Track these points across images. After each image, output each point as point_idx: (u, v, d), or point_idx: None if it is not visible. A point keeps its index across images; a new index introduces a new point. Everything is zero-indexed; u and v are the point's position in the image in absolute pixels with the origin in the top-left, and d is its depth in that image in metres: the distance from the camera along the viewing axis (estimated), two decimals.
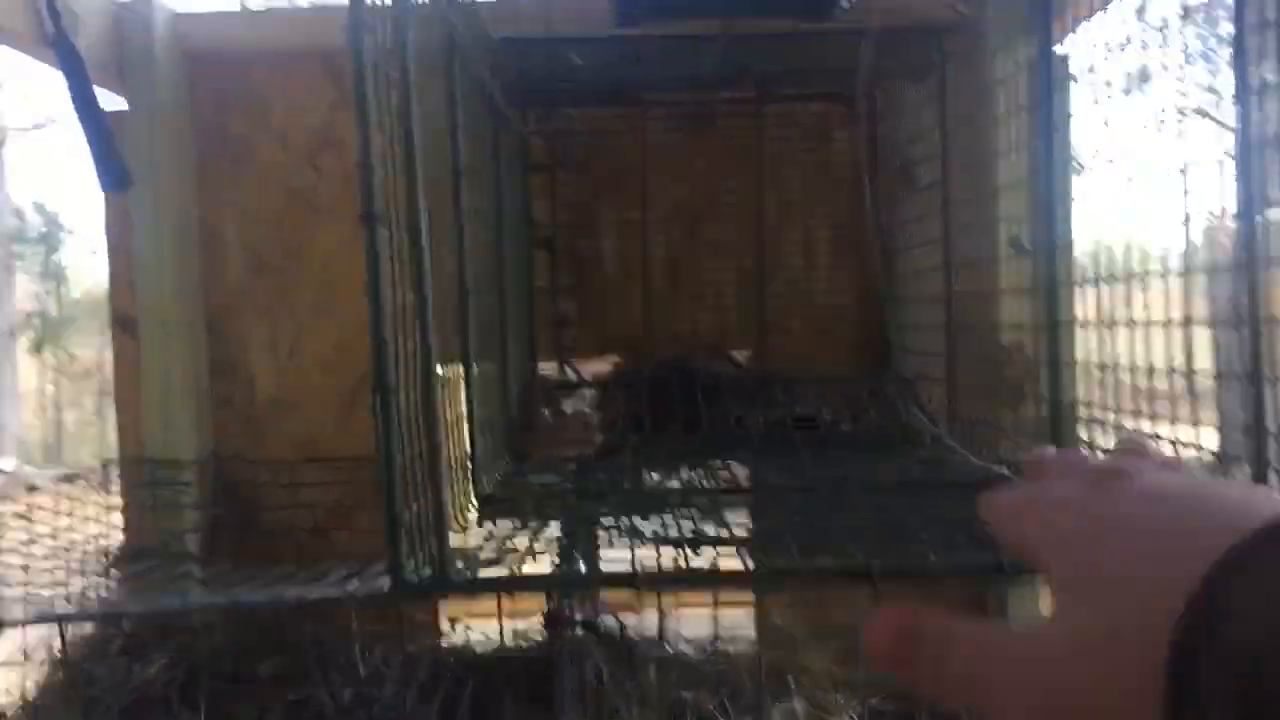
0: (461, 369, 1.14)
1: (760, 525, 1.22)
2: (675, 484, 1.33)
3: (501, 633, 1.78)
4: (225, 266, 2.01)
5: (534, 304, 1.93)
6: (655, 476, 1.42)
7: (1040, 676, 0.36)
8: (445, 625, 1.95)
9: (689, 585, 1.11)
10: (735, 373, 1.81)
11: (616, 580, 0.78)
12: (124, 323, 1.96)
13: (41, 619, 1.02)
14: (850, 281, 2.02)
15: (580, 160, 1.89)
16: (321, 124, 2.00)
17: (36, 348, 14.00)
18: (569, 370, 1.86)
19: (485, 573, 0.88)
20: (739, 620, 1.93)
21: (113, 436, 2.05)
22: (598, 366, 1.99)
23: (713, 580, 1.01)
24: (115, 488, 1.88)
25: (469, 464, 1.17)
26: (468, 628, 1.89)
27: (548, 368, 1.95)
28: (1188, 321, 1.05)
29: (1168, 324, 1.10)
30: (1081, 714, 0.34)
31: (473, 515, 1.15)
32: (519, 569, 0.89)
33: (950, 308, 1.54)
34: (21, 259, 13.98)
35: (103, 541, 1.75)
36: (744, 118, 1.97)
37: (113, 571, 1.70)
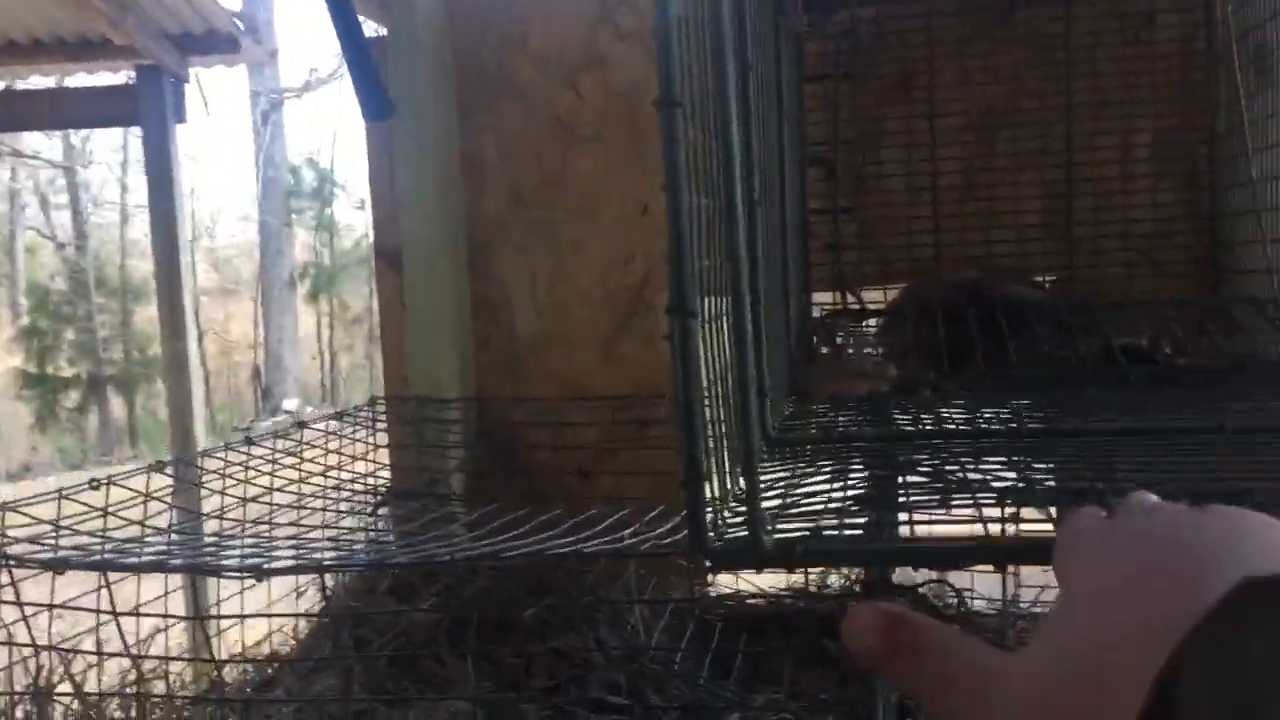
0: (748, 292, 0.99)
1: (1112, 477, 1.02)
2: (993, 425, 1.14)
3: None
4: (485, 198, 1.93)
5: (808, 227, 1.76)
6: (964, 417, 1.23)
7: (1006, 693, 0.38)
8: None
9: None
10: (1042, 298, 1.58)
11: (979, 554, 0.60)
12: (388, 256, 1.92)
13: (303, 569, 0.96)
14: (1175, 196, 1.74)
15: (863, 65, 1.70)
16: (582, 43, 1.89)
17: (313, 296, 14.92)
18: (850, 299, 1.68)
19: (789, 532, 0.73)
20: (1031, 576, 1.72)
21: (382, 378, 2.03)
22: (879, 296, 1.80)
23: None
24: (382, 425, 1.85)
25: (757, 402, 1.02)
26: (736, 576, 1.77)
27: (823, 298, 1.78)
28: None
29: None
30: None
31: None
32: (829, 530, 0.73)
33: None
34: (298, 213, 14.89)
35: (370, 480, 1.72)
36: (1048, 4, 1.72)
37: (381, 510, 1.66)
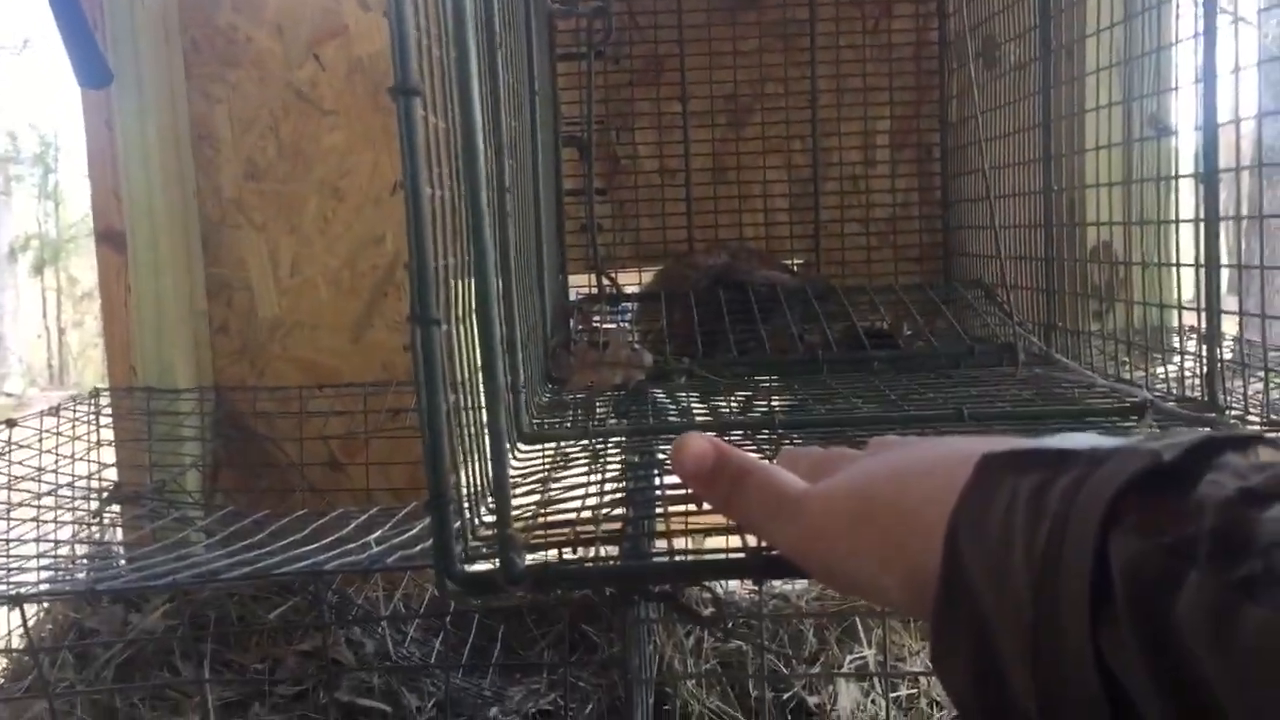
0: (500, 284, 0.95)
1: None
2: (745, 415, 1.15)
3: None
4: (219, 173, 1.80)
5: (562, 210, 1.73)
6: (717, 408, 1.23)
7: (809, 516, 0.48)
8: None
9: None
10: (791, 282, 1.61)
11: (723, 570, 0.59)
12: (110, 236, 1.76)
13: None
14: (912, 182, 1.81)
15: (614, 46, 1.67)
16: (322, 10, 1.78)
17: (37, 270, 13.83)
18: (606, 283, 1.66)
19: (545, 537, 0.70)
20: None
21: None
22: (634, 278, 1.79)
23: None
24: (106, 420, 1.70)
25: (509, 397, 0.98)
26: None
27: (580, 280, 1.75)
28: None
29: None
30: (855, 556, 0.46)
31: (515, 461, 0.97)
32: (585, 536, 0.71)
33: (1049, 204, 1.34)
34: (18, 180, 13.76)
35: (93, 482, 1.58)
36: None
37: (104, 515, 1.52)
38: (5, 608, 1.23)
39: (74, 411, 1.62)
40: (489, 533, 0.64)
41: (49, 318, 14.49)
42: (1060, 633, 0.35)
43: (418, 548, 0.86)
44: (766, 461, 0.54)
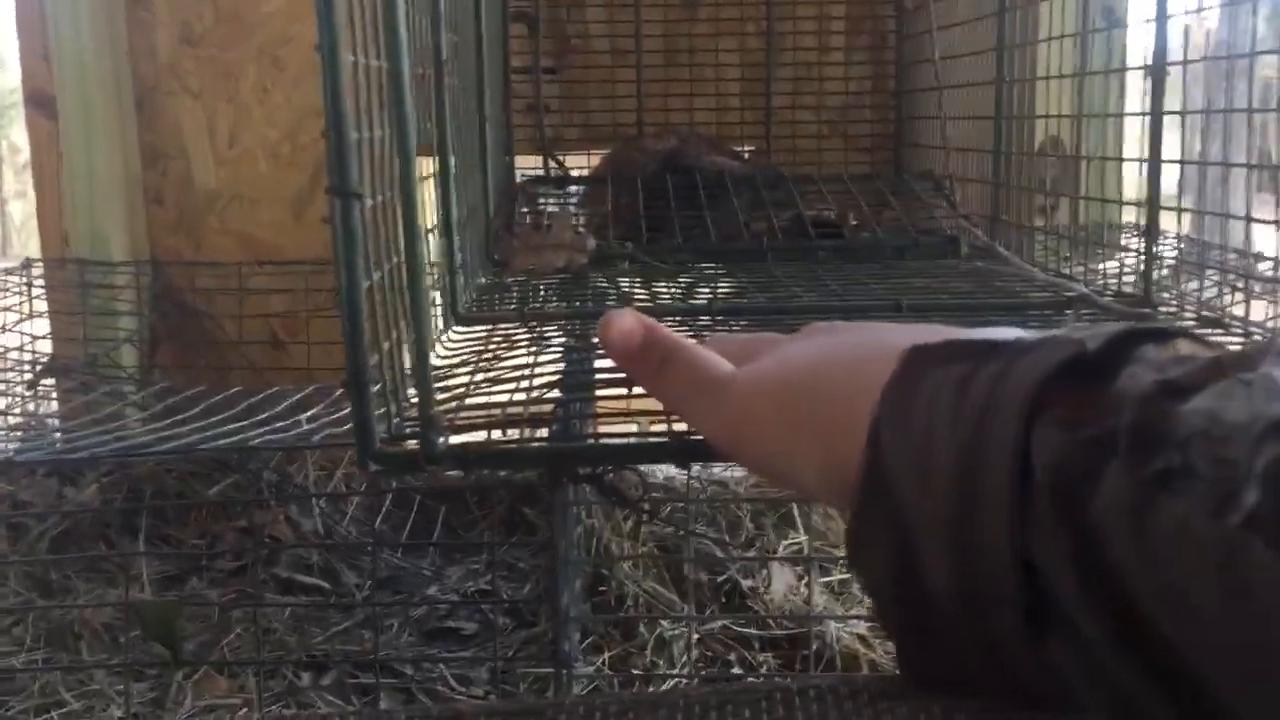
0: (436, 161, 0.93)
1: None
2: (685, 302, 1.14)
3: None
4: (153, 36, 1.74)
5: (509, 88, 1.68)
6: (656, 293, 1.23)
7: (734, 397, 0.48)
8: None
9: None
10: (740, 169, 1.59)
11: (643, 453, 0.59)
12: (39, 101, 1.70)
13: None
14: (865, 70, 1.79)
15: None
16: None
17: None
18: (552, 163, 1.63)
19: (474, 418, 0.70)
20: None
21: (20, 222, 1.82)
22: (581, 160, 1.77)
23: None
24: (39, 292, 1.66)
25: (446, 278, 0.97)
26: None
27: (527, 162, 1.72)
28: None
29: None
30: (782, 438, 0.45)
31: (447, 341, 0.96)
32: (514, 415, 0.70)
33: (1000, 95, 1.33)
34: None
35: (25, 353, 1.55)
36: None
37: (38, 387, 1.50)
38: None
39: (4, 282, 1.59)
40: (414, 413, 0.64)
41: None
42: (981, 526, 0.35)
43: (346, 427, 0.85)
44: (695, 342, 0.53)
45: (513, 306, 1.10)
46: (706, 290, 1.20)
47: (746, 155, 1.75)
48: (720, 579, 1.43)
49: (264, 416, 0.96)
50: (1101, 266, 1.28)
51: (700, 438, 0.55)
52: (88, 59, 1.65)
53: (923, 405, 0.38)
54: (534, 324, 1.01)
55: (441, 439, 0.58)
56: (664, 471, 1.59)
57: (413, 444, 0.61)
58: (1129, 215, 1.35)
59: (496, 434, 0.72)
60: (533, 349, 0.94)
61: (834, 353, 0.46)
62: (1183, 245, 1.12)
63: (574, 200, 1.65)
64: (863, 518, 0.40)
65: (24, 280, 1.67)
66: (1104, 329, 0.36)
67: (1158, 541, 0.30)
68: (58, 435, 1.19)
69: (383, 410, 0.63)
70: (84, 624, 1.29)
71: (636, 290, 1.25)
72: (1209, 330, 0.94)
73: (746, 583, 1.42)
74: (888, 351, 0.41)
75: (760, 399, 0.47)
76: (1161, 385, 0.33)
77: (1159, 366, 0.34)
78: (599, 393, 0.75)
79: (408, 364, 0.70)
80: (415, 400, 0.69)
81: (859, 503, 0.40)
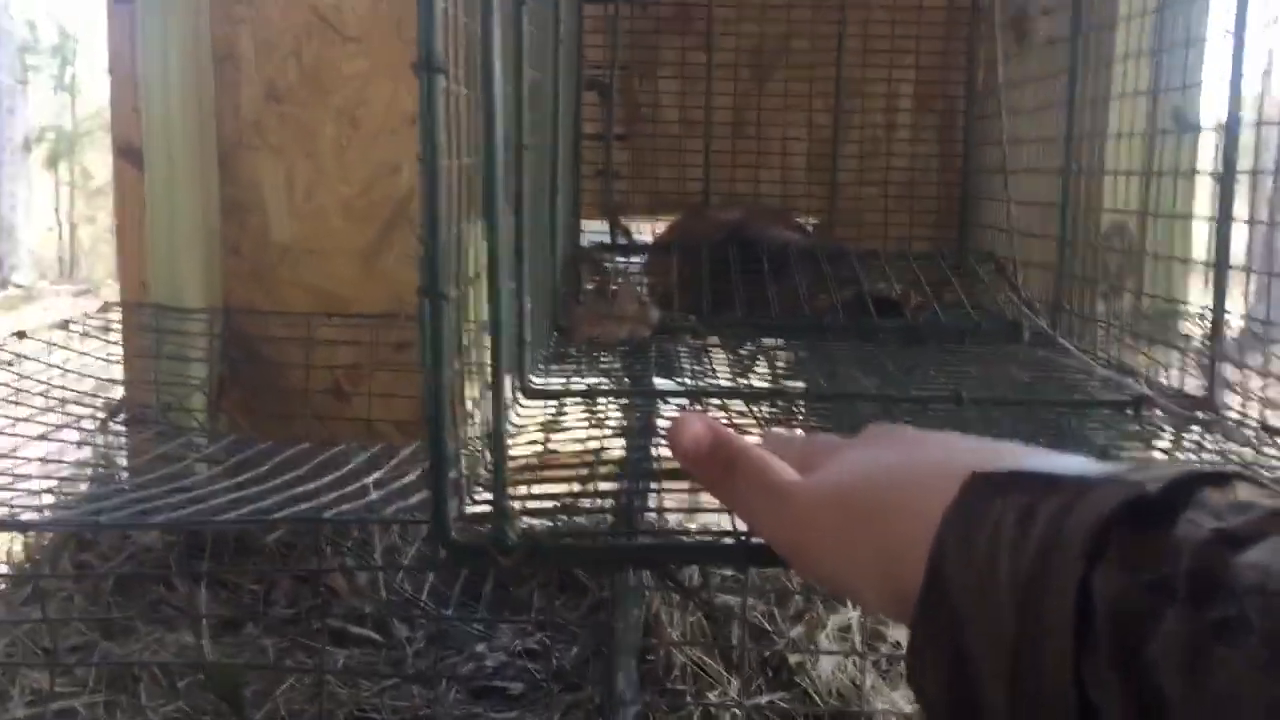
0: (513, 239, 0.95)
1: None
2: (746, 382, 1.16)
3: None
4: (239, 94, 1.80)
5: (579, 154, 1.72)
6: (719, 367, 1.24)
7: (796, 509, 0.49)
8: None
9: None
10: (804, 243, 1.61)
11: (706, 553, 0.61)
12: (127, 152, 1.76)
13: (5, 526, 0.87)
14: (933, 148, 1.80)
15: None
16: None
17: (51, 163, 13.77)
18: (619, 231, 1.66)
19: (540, 502, 0.71)
20: None
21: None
22: (648, 227, 1.79)
23: None
24: (115, 336, 1.71)
25: (515, 352, 0.99)
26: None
27: (592, 226, 1.75)
28: None
29: None
30: (842, 555, 0.47)
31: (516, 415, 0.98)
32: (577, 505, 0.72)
33: (1067, 184, 1.33)
34: (36, 71, 13.64)
35: (99, 397, 1.60)
36: None
37: (110, 430, 1.54)
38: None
39: (84, 326, 1.64)
40: (486, 497, 0.66)
41: (61, 212, 14.45)
42: (1041, 654, 0.36)
43: (414, 498, 0.87)
44: (759, 449, 0.55)
45: (578, 379, 1.12)
46: (764, 369, 1.22)
47: (810, 228, 1.77)
48: (767, 653, 1.43)
49: (331, 479, 0.99)
50: (1164, 360, 1.28)
51: (760, 541, 0.57)
52: (175, 113, 1.71)
53: (985, 534, 0.39)
54: (597, 402, 1.03)
55: (512, 532, 0.59)
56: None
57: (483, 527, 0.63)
58: (1194, 292, 1.34)
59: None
60: (595, 426, 0.96)
61: (895, 468, 0.47)
62: (1240, 343, 1.12)
63: (637, 267, 1.67)
64: (922, 636, 0.41)
65: (101, 325, 1.72)
66: (1164, 470, 0.38)
67: (1210, 690, 0.31)
68: (127, 489, 1.22)
69: (455, 479, 0.65)
70: (143, 668, 1.32)
71: (695, 365, 1.26)
72: (1272, 438, 0.94)
73: (794, 658, 1.42)
74: (949, 472, 0.42)
75: (822, 511, 0.48)
76: (1220, 534, 0.34)
77: (1218, 513, 0.35)
78: (661, 485, 0.77)
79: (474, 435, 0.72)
80: (487, 479, 0.71)
81: (918, 621, 0.41)
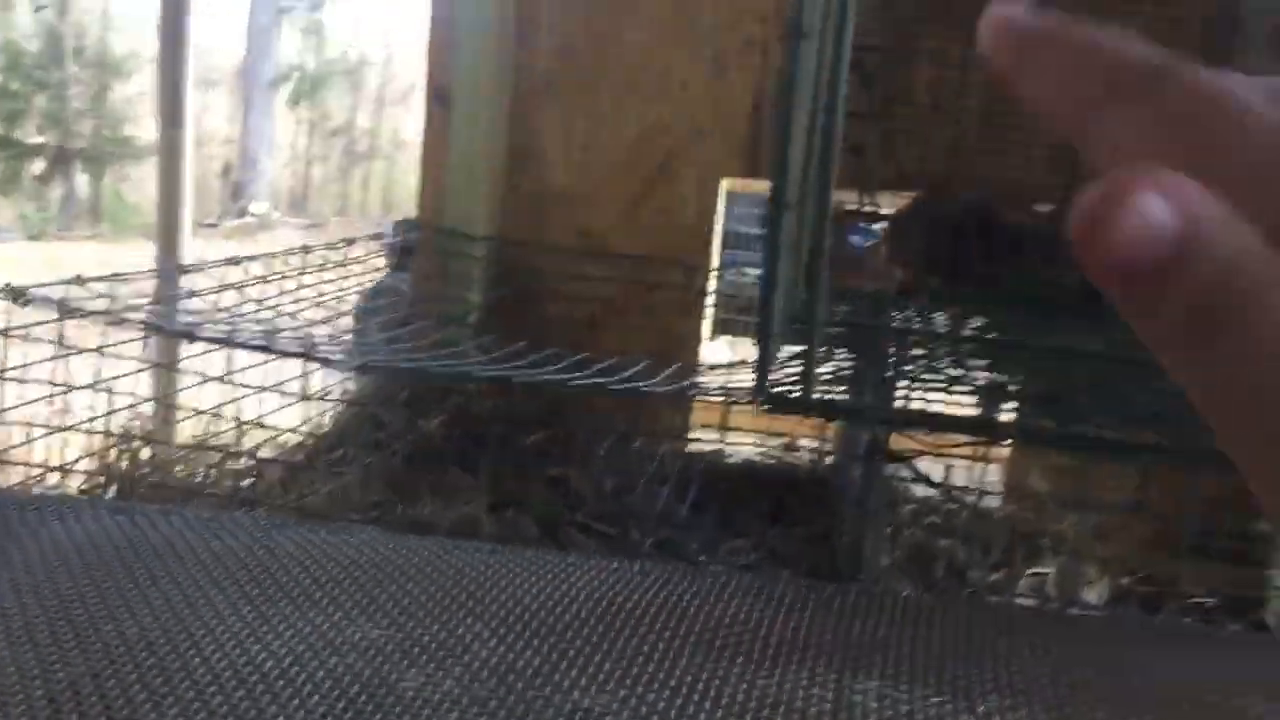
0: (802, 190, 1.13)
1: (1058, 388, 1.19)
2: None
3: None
4: (536, 52, 2.03)
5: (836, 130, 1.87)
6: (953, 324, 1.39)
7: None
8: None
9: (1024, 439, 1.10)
10: (1039, 228, 1.73)
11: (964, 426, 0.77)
12: (439, 95, 2.02)
13: (366, 367, 1.10)
14: None
15: None
16: None
17: (294, 102, 14.69)
18: (867, 200, 1.82)
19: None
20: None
21: (356, 196, 2.14)
22: (890, 201, 1.94)
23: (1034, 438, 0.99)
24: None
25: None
26: (722, 436, 1.94)
27: (841, 196, 1.91)
28: None
29: None
30: None
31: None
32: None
33: None
34: (287, 13, 14.51)
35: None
36: None
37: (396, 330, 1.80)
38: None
39: (391, 238, 1.90)
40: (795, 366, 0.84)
41: (297, 149, 15.38)
42: None
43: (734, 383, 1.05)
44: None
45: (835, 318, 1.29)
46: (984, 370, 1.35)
47: (1047, 213, 1.88)
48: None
49: (631, 372, 1.18)
50: None
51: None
52: (482, 66, 1.95)
53: None
54: (851, 333, 1.20)
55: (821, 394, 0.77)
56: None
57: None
58: None
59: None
60: (851, 352, 1.13)
61: None
62: None
63: (877, 237, 1.83)
64: None
65: (390, 243, 2.00)
66: None
67: None
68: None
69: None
70: (429, 528, 1.56)
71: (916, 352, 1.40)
72: None
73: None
74: None
75: None
76: None
77: None
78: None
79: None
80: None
81: None
